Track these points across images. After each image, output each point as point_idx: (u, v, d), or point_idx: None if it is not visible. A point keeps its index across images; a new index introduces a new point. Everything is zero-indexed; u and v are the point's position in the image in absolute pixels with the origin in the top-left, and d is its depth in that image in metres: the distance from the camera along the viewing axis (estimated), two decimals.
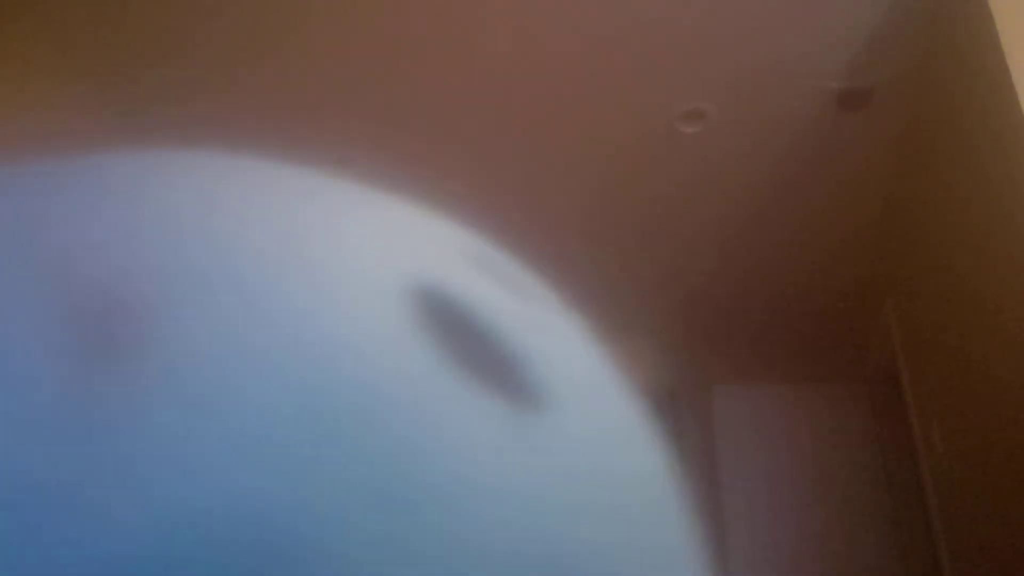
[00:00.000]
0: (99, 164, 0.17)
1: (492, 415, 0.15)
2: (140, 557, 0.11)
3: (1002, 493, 1.20)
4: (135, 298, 0.14)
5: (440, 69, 1.29)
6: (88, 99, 1.19)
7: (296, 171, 0.18)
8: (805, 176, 1.56)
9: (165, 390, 0.13)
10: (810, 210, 1.69)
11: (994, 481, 1.24)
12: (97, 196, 0.16)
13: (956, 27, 1.16)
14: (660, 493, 0.19)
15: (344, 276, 0.15)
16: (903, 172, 1.51)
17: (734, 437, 2.26)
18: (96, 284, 0.14)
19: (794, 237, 1.81)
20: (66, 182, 0.16)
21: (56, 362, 0.13)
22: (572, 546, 0.15)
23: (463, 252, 0.18)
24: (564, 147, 1.47)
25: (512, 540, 0.14)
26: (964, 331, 1.30)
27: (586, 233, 1.76)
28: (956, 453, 1.44)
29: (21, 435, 0.12)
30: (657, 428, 0.21)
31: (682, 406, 2.43)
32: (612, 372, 0.20)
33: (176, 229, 0.15)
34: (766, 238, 1.82)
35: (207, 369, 0.13)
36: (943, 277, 1.38)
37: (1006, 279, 1.09)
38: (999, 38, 1.02)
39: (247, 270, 0.15)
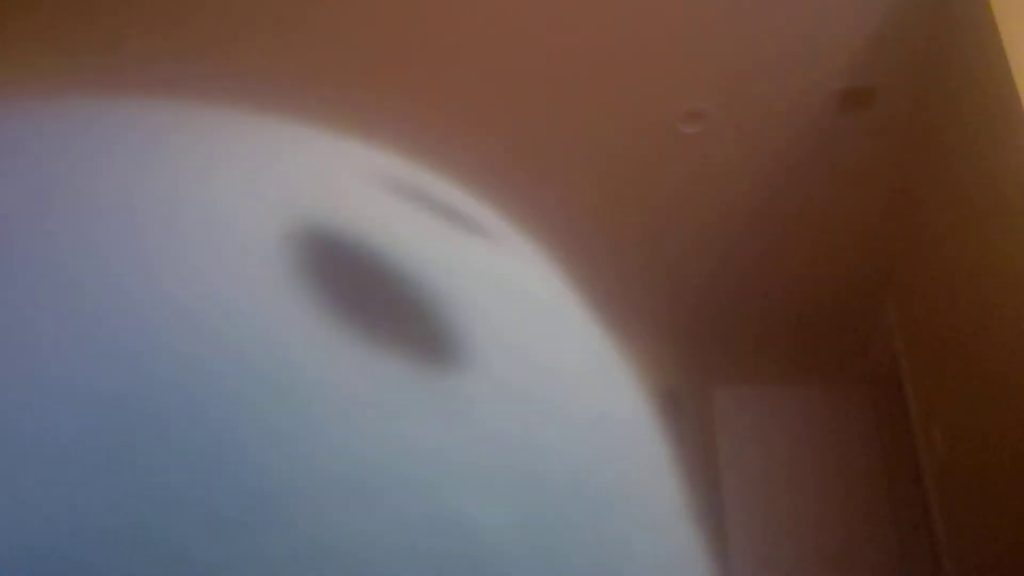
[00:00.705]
0: None
1: (390, 379, 0.12)
2: None
3: (1004, 494, 1.20)
4: None
5: (439, 65, 1.29)
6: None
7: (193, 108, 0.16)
8: (806, 176, 1.56)
9: None
10: (811, 210, 1.69)
11: (996, 482, 1.23)
12: None
13: (958, 25, 1.16)
14: (628, 480, 0.15)
15: (202, 222, 0.13)
16: (905, 172, 1.50)
17: (735, 438, 2.25)
18: None
19: (795, 237, 1.81)
20: None
21: None
22: (494, 542, 0.11)
23: (376, 178, 0.15)
24: (563, 146, 1.47)
25: (417, 535, 0.11)
26: (966, 332, 1.29)
27: (584, 233, 1.76)
28: (958, 454, 1.43)
29: None
30: (643, 405, 0.17)
31: (682, 407, 2.42)
32: (584, 323, 0.16)
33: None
34: (767, 238, 1.82)
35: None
36: (945, 277, 1.38)
37: (1009, 279, 1.08)
38: (1001, 36, 1.02)
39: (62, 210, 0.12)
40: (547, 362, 0.14)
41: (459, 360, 0.12)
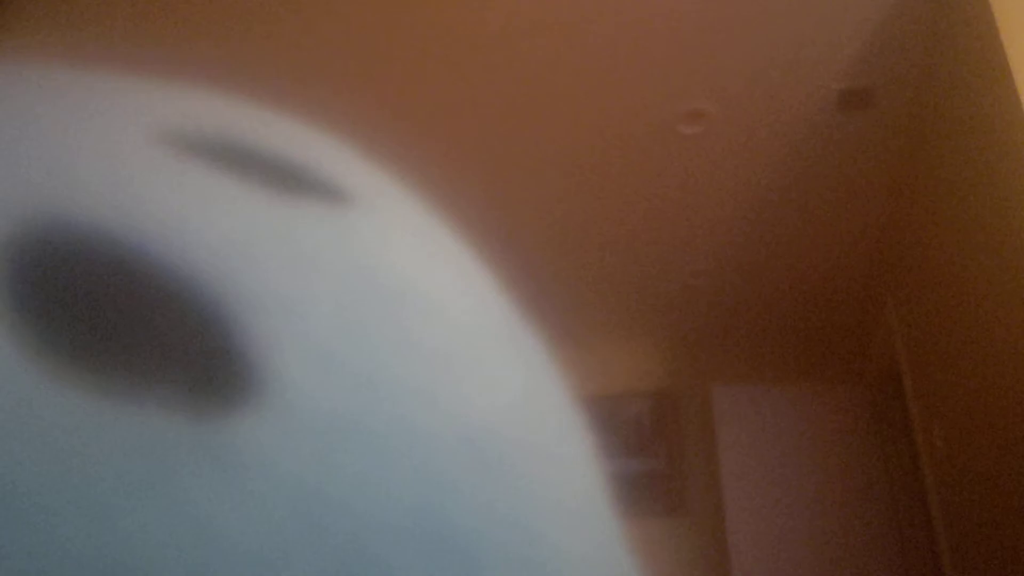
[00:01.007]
0: None
1: (139, 438, 0.09)
2: None
3: (1004, 494, 1.20)
4: None
5: (441, 66, 1.29)
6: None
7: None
8: (806, 176, 1.56)
9: None
10: (811, 211, 1.69)
11: (996, 482, 1.23)
12: None
13: (957, 26, 1.16)
14: (514, 507, 0.11)
15: None
16: (904, 172, 1.51)
17: (735, 439, 2.25)
18: None
19: (795, 238, 1.81)
20: None
21: None
22: None
23: (168, 138, 0.11)
24: (565, 147, 1.47)
25: None
26: (965, 332, 1.29)
27: (586, 234, 1.76)
28: (957, 453, 1.43)
29: None
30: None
31: (683, 407, 2.43)
32: (476, 310, 0.12)
33: None
34: (767, 239, 1.82)
35: None
36: (945, 277, 1.38)
37: (1007, 279, 1.08)
38: (1000, 36, 1.01)
39: None
40: (389, 371, 0.11)
41: (243, 394, 0.09)
